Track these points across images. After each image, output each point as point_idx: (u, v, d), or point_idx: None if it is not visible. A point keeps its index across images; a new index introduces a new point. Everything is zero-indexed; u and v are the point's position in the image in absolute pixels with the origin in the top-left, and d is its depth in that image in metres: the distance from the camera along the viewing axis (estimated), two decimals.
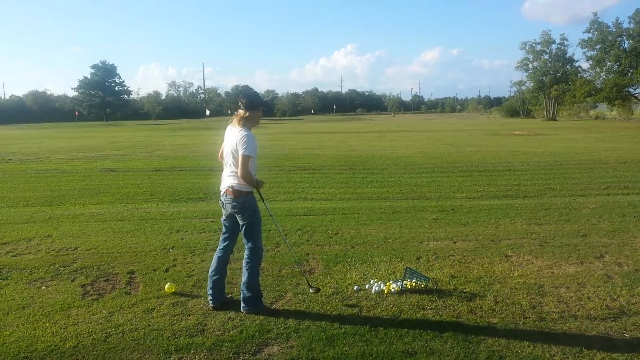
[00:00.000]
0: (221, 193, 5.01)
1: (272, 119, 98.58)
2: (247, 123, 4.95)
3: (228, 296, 5.23)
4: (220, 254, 5.13)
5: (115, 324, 4.60)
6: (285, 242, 6.55)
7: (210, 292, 5.03)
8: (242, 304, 4.91)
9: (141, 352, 4.10)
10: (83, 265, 6.37)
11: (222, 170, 5.11)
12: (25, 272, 6.14)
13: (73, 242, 7.53)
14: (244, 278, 4.95)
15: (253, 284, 4.92)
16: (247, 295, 4.89)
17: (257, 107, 5.02)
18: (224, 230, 5.17)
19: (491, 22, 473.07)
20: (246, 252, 4.99)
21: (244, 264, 4.98)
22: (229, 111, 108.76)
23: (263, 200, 5.16)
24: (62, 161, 20.01)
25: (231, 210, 4.93)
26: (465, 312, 4.82)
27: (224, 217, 5.12)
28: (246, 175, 4.79)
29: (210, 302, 5.01)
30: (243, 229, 4.99)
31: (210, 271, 5.10)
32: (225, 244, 5.14)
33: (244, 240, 5.01)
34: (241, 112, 4.94)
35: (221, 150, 5.18)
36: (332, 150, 23.47)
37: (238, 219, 4.97)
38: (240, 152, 4.76)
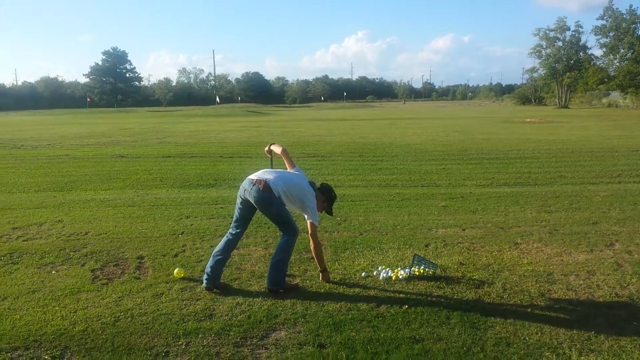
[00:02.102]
0: (249, 181, 5.00)
1: (281, 106, 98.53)
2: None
3: (222, 281, 5.21)
4: (230, 237, 5.14)
5: (124, 309, 4.63)
6: None
7: (208, 270, 5.02)
8: (268, 283, 5.01)
9: (150, 336, 4.12)
10: (93, 250, 6.42)
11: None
12: (36, 256, 6.20)
13: (83, 227, 7.59)
14: (276, 257, 5.00)
15: (284, 263, 5.05)
16: (275, 272, 4.97)
17: (324, 195, 5.27)
18: (237, 217, 5.14)
19: (504, 8, 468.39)
20: (285, 237, 5.06)
21: (281, 244, 5.04)
22: (239, 98, 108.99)
23: None
24: (73, 147, 20.13)
25: (254, 202, 4.92)
26: (473, 299, 4.81)
27: (239, 205, 5.08)
28: (318, 245, 5.14)
29: (205, 282, 5.03)
30: (274, 221, 5.15)
31: (215, 251, 5.13)
32: (237, 231, 5.15)
33: (281, 231, 5.12)
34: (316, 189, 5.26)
35: (272, 157, 5.79)
36: (341, 138, 23.41)
37: (265, 213, 5.07)
38: (309, 220, 5.08)
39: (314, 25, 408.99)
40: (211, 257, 5.10)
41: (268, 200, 4.90)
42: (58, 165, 15.11)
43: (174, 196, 10.07)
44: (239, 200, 5.08)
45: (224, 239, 5.18)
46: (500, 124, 33.80)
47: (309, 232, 5.10)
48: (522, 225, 7.50)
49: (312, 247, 5.15)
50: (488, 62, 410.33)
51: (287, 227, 5.07)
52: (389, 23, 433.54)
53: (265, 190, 4.88)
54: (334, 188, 5.44)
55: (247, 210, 5.07)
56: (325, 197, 5.28)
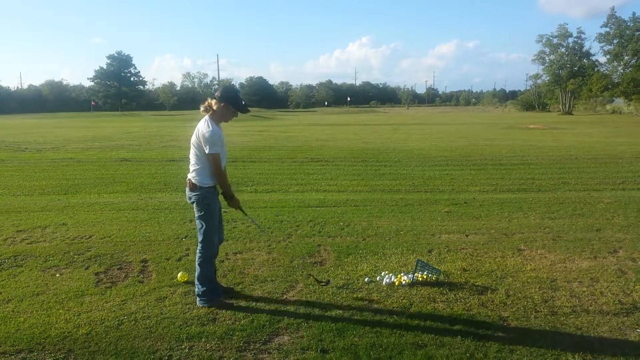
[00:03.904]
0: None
1: (285, 111, 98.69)
2: (216, 117, 4.79)
3: (225, 285, 5.20)
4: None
5: (127, 312, 4.65)
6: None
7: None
8: (197, 298, 4.85)
9: (153, 339, 4.14)
10: (97, 254, 6.44)
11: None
12: (40, 259, 6.22)
13: (87, 230, 7.61)
14: (196, 272, 4.86)
15: (204, 278, 4.83)
16: (200, 289, 4.81)
17: (223, 100, 4.71)
18: None
19: (508, 15, 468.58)
20: (198, 246, 4.91)
21: (197, 257, 4.88)
22: (243, 102, 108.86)
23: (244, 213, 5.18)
24: (77, 150, 20.18)
25: (189, 201, 4.89)
26: (476, 306, 4.81)
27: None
28: (220, 174, 4.75)
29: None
30: (196, 221, 4.90)
31: None
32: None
33: (199, 236, 4.92)
34: (213, 102, 4.75)
35: None
36: (345, 143, 23.42)
37: (194, 211, 4.89)
38: (208, 152, 4.65)
39: (318, 30, 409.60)
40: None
41: (197, 198, 4.79)
42: (62, 168, 15.15)
43: (178, 200, 10.08)
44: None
45: None
46: (504, 130, 33.77)
47: (212, 162, 4.70)
48: (526, 232, 7.50)
49: (216, 174, 4.75)
50: (492, 68, 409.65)
51: (201, 233, 4.84)
52: (393, 28, 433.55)
53: (192, 189, 4.81)
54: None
55: None
56: (226, 100, 4.72)
